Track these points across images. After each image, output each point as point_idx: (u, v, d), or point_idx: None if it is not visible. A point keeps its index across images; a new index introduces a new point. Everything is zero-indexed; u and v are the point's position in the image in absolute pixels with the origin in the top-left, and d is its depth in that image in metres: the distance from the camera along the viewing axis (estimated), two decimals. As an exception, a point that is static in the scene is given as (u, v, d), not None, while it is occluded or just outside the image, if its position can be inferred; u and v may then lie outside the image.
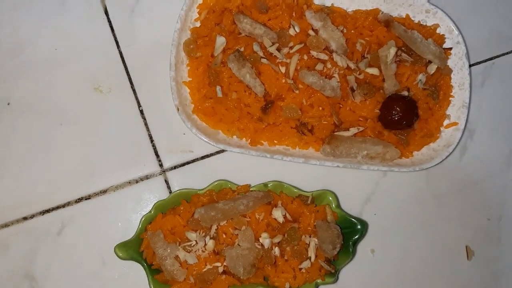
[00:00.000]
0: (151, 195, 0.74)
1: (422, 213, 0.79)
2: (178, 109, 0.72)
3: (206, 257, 0.68)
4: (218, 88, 0.71)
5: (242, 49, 0.71)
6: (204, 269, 0.67)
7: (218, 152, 0.77)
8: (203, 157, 0.77)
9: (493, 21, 0.84)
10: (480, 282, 0.78)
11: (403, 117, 0.72)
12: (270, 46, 0.71)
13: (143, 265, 0.68)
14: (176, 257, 0.67)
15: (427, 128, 0.76)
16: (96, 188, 0.74)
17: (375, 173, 0.79)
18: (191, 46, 0.73)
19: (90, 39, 0.77)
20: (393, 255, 0.77)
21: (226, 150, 0.76)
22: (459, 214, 0.79)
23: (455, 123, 0.76)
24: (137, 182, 0.75)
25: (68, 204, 0.74)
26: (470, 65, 0.82)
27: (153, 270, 0.69)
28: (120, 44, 0.77)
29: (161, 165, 0.76)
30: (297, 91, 0.72)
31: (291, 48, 0.72)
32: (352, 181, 0.78)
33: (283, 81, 0.72)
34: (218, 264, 0.68)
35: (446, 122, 0.77)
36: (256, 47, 0.71)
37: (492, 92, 0.83)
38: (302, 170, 0.76)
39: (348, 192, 0.77)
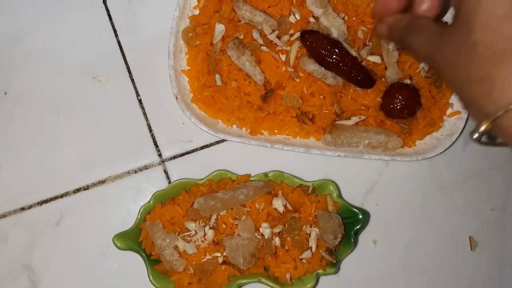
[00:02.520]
0: (150, 186, 0.74)
1: (425, 204, 0.78)
2: (177, 98, 0.71)
3: (205, 247, 0.67)
4: (217, 76, 0.70)
5: (241, 37, 0.70)
6: (204, 259, 0.67)
7: (217, 142, 0.76)
8: (202, 147, 0.76)
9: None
10: (484, 273, 0.77)
11: (405, 106, 0.71)
12: (270, 34, 0.70)
13: (142, 256, 0.68)
14: (175, 247, 0.67)
15: (429, 117, 0.74)
16: (94, 179, 0.73)
17: (377, 163, 0.78)
18: (190, 34, 0.72)
19: (88, 28, 0.76)
20: (396, 246, 0.76)
21: (226, 140, 0.75)
22: (463, 205, 0.78)
23: (458, 112, 0.75)
24: (136, 172, 0.74)
25: (66, 194, 0.73)
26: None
27: (152, 261, 0.68)
28: (118, 33, 0.76)
29: (160, 155, 0.75)
30: (297, 80, 0.71)
31: (291, 35, 0.71)
32: (354, 171, 0.77)
33: (284, 69, 0.71)
34: (218, 254, 0.67)
35: (449, 111, 0.76)
36: (255, 35, 0.70)
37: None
38: (303, 159, 0.75)
39: (350, 182, 0.76)
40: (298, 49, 0.70)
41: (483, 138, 0.42)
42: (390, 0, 0.57)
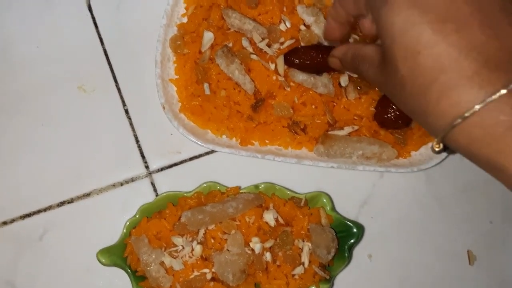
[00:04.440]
0: (136, 199, 0.71)
1: (422, 216, 0.75)
2: (164, 108, 0.68)
3: (193, 263, 0.64)
4: (206, 85, 0.68)
5: (230, 45, 0.68)
6: (191, 276, 0.64)
7: (207, 153, 0.74)
8: (191, 159, 0.73)
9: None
10: (484, 287, 0.74)
11: (399, 116, 0.69)
12: (260, 42, 0.68)
13: (127, 272, 0.65)
14: (162, 263, 0.64)
15: (425, 127, 0.72)
16: (79, 191, 0.71)
17: (372, 174, 0.75)
18: (178, 42, 0.70)
19: (73, 37, 0.74)
20: (392, 260, 0.74)
21: (215, 151, 0.73)
22: (460, 218, 0.76)
23: (454, 121, 0.73)
24: (122, 184, 0.72)
25: (49, 208, 0.70)
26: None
27: (137, 277, 0.65)
28: (104, 41, 0.74)
29: (147, 167, 0.72)
30: (288, 89, 0.69)
31: (281, 43, 0.69)
32: (347, 183, 0.75)
33: (274, 78, 0.69)
34: (206, 270, 0.64)
35: (445, 121, 0.74)
36: (245, 43, 0.68)
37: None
38: (295, 171, 0.73)
39: (343, 194, 0.74)
40: (286, 57, 0.68)
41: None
42: (332, 31, 0.58)
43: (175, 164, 0.73)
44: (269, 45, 0.69)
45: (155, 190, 0.72)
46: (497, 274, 0.75)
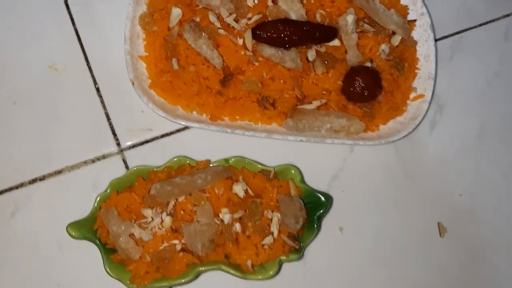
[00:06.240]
0: (108, 175, 0.70)
1: (392, 190, 0.76)
2: (133, 84, 0.69)
3: (163, 234, 0.65)
4: (174, 60, 0.69)
5: (198, 20, 0.69)
6: (161, 247, 0.64)
7: (178, 130, 0.74)
8: (162, 136, 0.74)
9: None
10: (454, 259, 0.75)
11: (365, 88, 0.70)
12: (227, 17, 0.69)
13: (97, 245, 0.65)
14: (131, 235, 0.64)
15: (392, 101, 0.74)
16: (51, 169, 0.71)
17: (342, 149, 0.76)
18: (147, 19, 0.71)
19: (45, 17, 0.75)
20: (363, 233, 0.74)
21: (186, 128, 0.74)
22: (430, 190, 0.77)
23: (421, 95, 0.74)
24: (93, 162, 0.72)
25: (21, 185, 0.71)
26: (438, 39, 0.81)
27: (107, 250, 0.65)
28: (76, 21, 0.75)
29: (118, 144, 0.73)
30: (257, 64, 0.70)
31: (249, 19, 0.70)
32: (318, 157, 0.75)
33: (242, 53, 0.70)
34: (176, 241, 0.65)
35: (412, 95, 0.75)
36: (212, 18, 0.69)
37: (461, 66, 0.81)
38: (266, 146, 0.74)
39: (314, 169, 0.75)
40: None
41: None
42: None
43: (147, 141, 0.74)
44: (236, 20, 0.70)
45: (126, 167, 0.73)
46: (468, 246, 0.76)
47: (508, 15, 0.84)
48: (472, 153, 0.79)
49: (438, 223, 0.76)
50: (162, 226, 0.65)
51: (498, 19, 0.84)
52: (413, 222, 0.76)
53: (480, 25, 0.83)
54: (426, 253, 0.75)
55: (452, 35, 0.82)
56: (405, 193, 0.76)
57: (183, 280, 0.64)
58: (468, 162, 0.78)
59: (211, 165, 0.69)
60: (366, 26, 0.72)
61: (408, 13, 0.76)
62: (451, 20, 0.82)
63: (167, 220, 0.65)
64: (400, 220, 0.75)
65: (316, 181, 0.74)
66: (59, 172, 0.71)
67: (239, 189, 0.67)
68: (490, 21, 0.83)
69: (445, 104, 0.79)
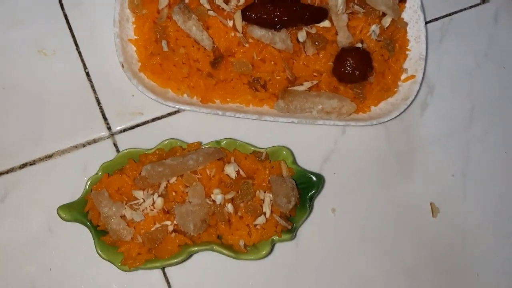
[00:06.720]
0: (99, 159, 0.70)
1: (384, 171, 0.76)
2: (123, 66, 0.69)
3: (154, 215, 0.64)
4: (163, 42, 0.69)
5: (187, 1, 0.69)
6: (153, 228, 0.64)
7: (169, 114, 0.74)
8: (153, 119, 0.74)
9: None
10: (446, 239, 0.75)
11: (356, 68, 0.70)
12: (217, -2, 0.69)
13: (88, 227, 0.65)
14: (123, 217, 0.64)
15: (383, 82, 0.74)
16: (41, 153, 0.71)
17: (334, 131, 0.76)
18: (136, 2, 0.70)
19: (33, 1, 0.74)
20: (355, 214, 0.74)
21: (177, 112, 0.74)
22: (422, 171, 0.77)
23: (412, 76, 0.75)
24: (84, 146, 0.72)
25: (11, 170, 0.70)
26: (428, 21, 0.81)
27: (99, 232, 0.65)
28: (64, 5, 0.75)
29: (109, 128, 0.73)
30: (247, 45, 0.70)
31: (238, 0, 0.70)
32: (310, 139, 0.75)
33: (232, 34, 0.70)
34: (168, 222, 0.64)
35: (403, 76, 0.75)
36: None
37: (451, 48, 0.82)
38: (258, 128, 0.74)
39: (306, 151, 0.75)
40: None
41: None
42: None
43: (138, 125, 0.74)
44: (226, 2, 0.70)
45: (117, 151, 0.72)
46: (460, 226, 0.76)
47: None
48: (463, 133, 0.79)
49: (430, 204, 0.76)
50: (154, 207, 0.64)
51: (487, 1, 0.84)
52: (405, 203, 0.76)
53: (470, 7, 0.83)
54: (419, 233, 0.75)
55: (442, 17, 0.82)
56: (397, 174, 0.76)
57: (175, 261, 0.63)
58: (460, 143, 0.79)
59: (202, 147, 0.69)
60: (356, 7, 0.72)
61: (398, -6, 0.76)
62: (441, 2, 0.82)
63: (159, 201, 0.64)
64: (392, 201, 0.75)
65: (308, 163, 0.74)
66: (49, 156, 0.71)
67: (230, 170, 0.67)
68: (479, 4, 0.84)
69: (436, 86, 0.80)
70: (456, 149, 0.78)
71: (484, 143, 0.79)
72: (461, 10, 0.83)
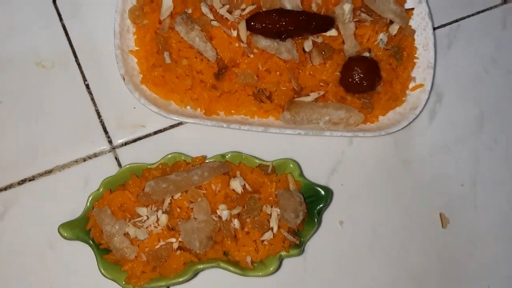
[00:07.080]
0: (100, 174, 0.68)
1: (393, 181, 0.74)
2: (124, 79, 0.67)
3: (159, 232, 0.62)
4: (166, 54, 0.67)
5: (190, 11, 0.67)
6: (157, 246, 0.62)
7: (172, 127, 0.72)
8: (156, 132, 0.72)
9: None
10: (456, 250, 0.74)
11: (364, 78, 0.69)
12: (221, 8, 0.67)
13: (90, 245, 0.63)
14: (126, 234, 0.62)
15: (391, 91, 0.72)
16: (40, 169, 0.69)
17: (341, 141, 0.74)
18: (137, 13, 0.68)
19: (31, 12, 0.72)
20: (363, 226, 0.73)
21: (180, 124, 0.72)
22: (431, 181, 0.75)
23: (420, 85, 0.73)
24: (84, 160, 0.70)
25: (10, 186, 0.68)
26: (436, 28, 0.79)
27: (101, 250, 0.63)
28: (63, 16, 0.73)
29: (110, 142, 0.71)
30: (251, 56, 0.68)
31: (243, 10, 0.68)
32: (316, 151, 0.74)
33: (237, 45, 0.68)
34: (173, 239, 0.63)
35: (412, 85, 0.74)
36: (205, 9, 0.67)
37: (458, 55, 0.80)
38: (264, 140, 0.72)
39: (313, 162, 0.73)
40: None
41: None
42: None
43: (139, 138, 0.72)
44: (230, 12, 0.68)
45: (119, 165, 0.70)
46: (471, 236, 0.74)
47: (505, 2, 0.82)
48: (473, 142, 0.77)
49: (440, 214, 0.74)
50: (158, 224, 0.63)
51: (495, 6, 0.82)
52: (415, 214, 0.74)
53: (478, 13, 0.82)
54: (429, 244, 0.74)
55: (450, 23, 0.81)
56: (406, 184, 0.75)
57: (180, 279, 0.62)
58: (469, 151, 0.77)
59: (207, 161, 0.67)
60: (363, 15, 0.70)
61: (405, 2, 0.74)
62: (448, 9, 0.81)
63: (163, 218, 0.62)
64: (401, 212, 0.74)
65: (315, 174, 0.72)
66: (49, 172, 0.69)
67: (236, 184, 0.65)
68: (487, 9, 0.82)
69: (444, 93, 0.78)
70: (465, 158, 0.77)
71: (494, 150, 0.78)
72: (468, 16, 0.81)
